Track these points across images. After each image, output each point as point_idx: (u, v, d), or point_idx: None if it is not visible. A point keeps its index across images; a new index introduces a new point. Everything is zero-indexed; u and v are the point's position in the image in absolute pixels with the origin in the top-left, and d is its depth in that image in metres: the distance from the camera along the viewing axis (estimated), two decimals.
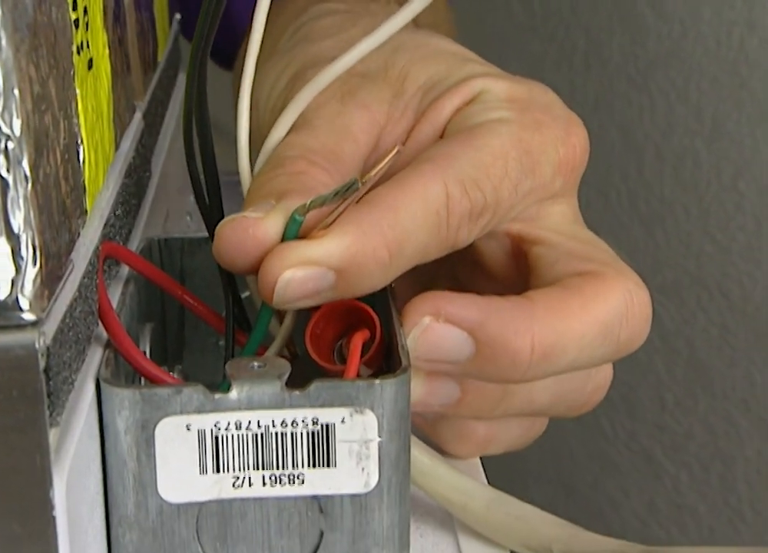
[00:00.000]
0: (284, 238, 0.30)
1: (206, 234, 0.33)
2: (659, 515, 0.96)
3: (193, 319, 0.34)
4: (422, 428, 0.35)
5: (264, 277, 0.29)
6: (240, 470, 0.27)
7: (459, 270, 0.38)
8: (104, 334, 0.28)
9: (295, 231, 0.29)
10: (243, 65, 0.33)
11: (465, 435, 0.35)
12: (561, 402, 0.35)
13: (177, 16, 0.54)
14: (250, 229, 0.30)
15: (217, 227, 0.31)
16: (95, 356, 0.28)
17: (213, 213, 0.33)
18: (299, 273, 0.29)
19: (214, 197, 0.33)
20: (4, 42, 0.21)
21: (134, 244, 0.35)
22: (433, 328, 0.30)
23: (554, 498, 1.05)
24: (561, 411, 0.36)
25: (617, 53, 0.93)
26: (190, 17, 0.51)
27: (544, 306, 0.31)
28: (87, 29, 0.29)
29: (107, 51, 0.33)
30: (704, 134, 0.86)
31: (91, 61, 0.30)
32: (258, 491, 0.27)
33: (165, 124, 0.46)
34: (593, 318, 0.32)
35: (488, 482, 0.34)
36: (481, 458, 0.37)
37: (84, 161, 0.28)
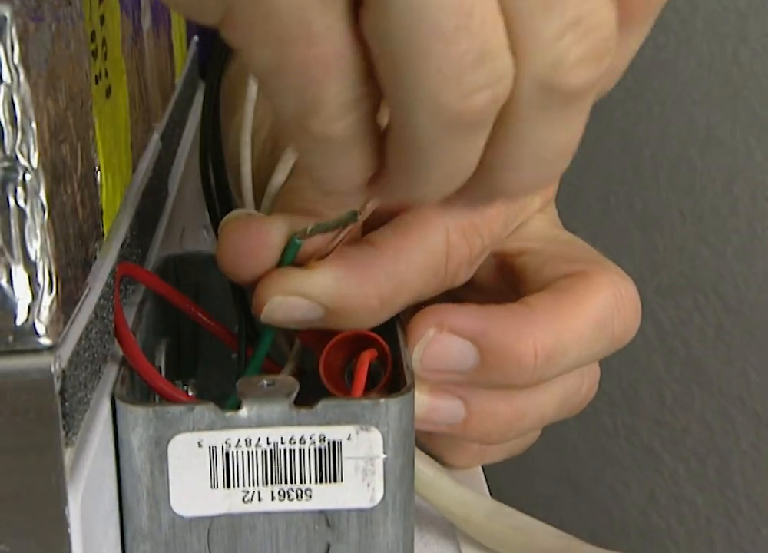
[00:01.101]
0: (282, 260, 0.30)
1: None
2: (658, 507, 0.96)
3: (208, 332, 0.34)
4: (421, 438, 0.35)
5: (257, 297, 0.30)
6: (249, 485, 0.27)
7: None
8: (120, 352, 0.28)
9: (293, 254, 0.29)
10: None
11: (463, 446, 0.35)
12: (564, 409, 0.35)
13: (195, 39, 0.54)
14: (253, 224, 0.30)
15: (222, 221, 0.31)
16: (111, 374, 0.27)
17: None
18: (289, 300, 0.29)
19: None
20: (22, 77, 0.21)
21: (151, 262, 0.34)
22: (438, 339, 0.30)
23: (558, 492, 1.05)
24: (562, 415, 0.35)
25: None
26: (206, 39, 0.51)
27: (541, 310, 0.31)
28: (105, 59, 0.29)
29: (125, 77, 0.32)
30: (698, 142, 0.86)
31: (109, 88, 0.30)
32: (267, 505, 0.27)
33: (182, 143, 0.45)
34: (588, 315, 0.31)
35: (494, 478, 0.34)
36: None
37: (101, 186, 0.28)
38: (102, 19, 0.29)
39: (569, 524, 0.36)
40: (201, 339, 0.35)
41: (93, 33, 0.28)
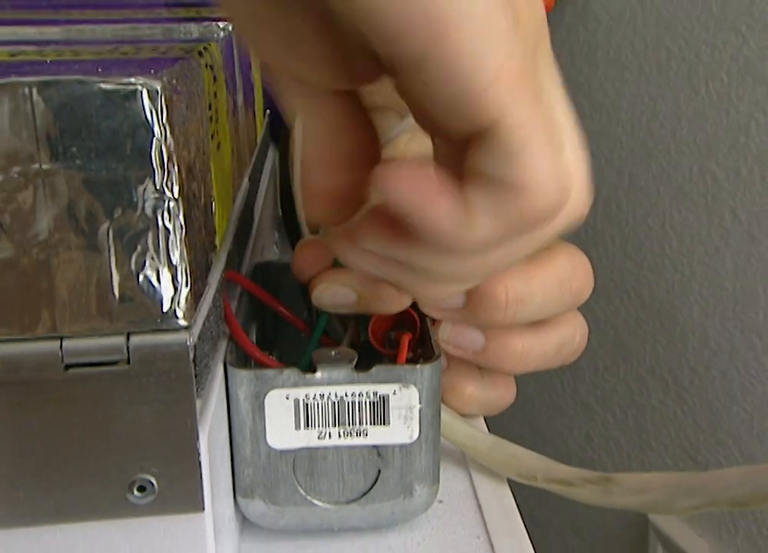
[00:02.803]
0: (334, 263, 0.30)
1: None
2: (593, 444, 0.95)
3: (283, 319, 0.34)
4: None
5: (311, 286, 0.30)
6: (322, 427, 0.27)
7: None
8: (228, 331, 0.28)
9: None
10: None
11: (456, 390, 0.33)
12: (562, 353, 0.34)
13: (268, 111, 0.54)
14: (315, 246, 0.30)
15: (297, 246, 0.31)
16: (222, 347, 0.27)
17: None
18: (331, 287, 0.29)
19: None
20: (168, 134, 0.21)
21: (244, 268, 0.34)
22: None
23: (521, 433, 1.05)
24: (560, 359, 0.35)
25: None
26: (275, 112, 0.51)
27: (514, 267, 0.30)
28: (217, 122, 0.29)
29: (228, 136, 0.33)
30: (623, 188, 0.85)
31: (219, 144, 0.30)
32: (335, 441, 0.27)
33: (261, 184, 0.46)
34: (551, 272, 0.31)
35: (488, 430, 0.34)
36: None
37: (215, 213, 0.28)
38: (215, 94, 0.29)
39: None
40: (279, 323, 0.35)
41: (210, 104, 0.28)
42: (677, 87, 0.77)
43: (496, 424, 0.35)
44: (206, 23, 0.35)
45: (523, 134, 0.20)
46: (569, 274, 0.32)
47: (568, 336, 0.34)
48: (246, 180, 0.38)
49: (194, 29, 0.35)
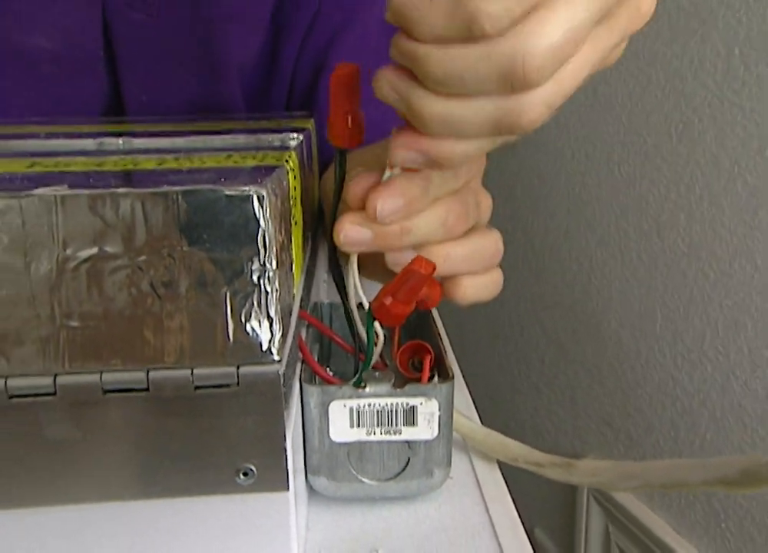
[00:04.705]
0: None
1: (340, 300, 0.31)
2: (540, 415, 0.95)
3: (336, 344, 0.34)
4: None
5: (334, 230, 0.25)
6: (369, 427, 0.26)
7: None
8: (301, 356, 0.28)
9: None
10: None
11: (457, 284, 0.26)
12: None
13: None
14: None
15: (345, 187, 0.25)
16: (298, 369, 0.27)
17: (340, 290, 0.31)
18: (352, 227, 0.25)
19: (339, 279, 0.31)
20: (270, 225, 0.21)
21: (308, 307, 0.34)
22: None
23: (486, 406, 1.04)
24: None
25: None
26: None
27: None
28: (296, 206, 0.29)
29: (300, 214, 0.32)
30: (560, 237, 0.85)
31: (296, 221, 0.30)
32: (378, 437, 0.27)
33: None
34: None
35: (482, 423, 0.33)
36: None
37: (294, 274, 0.28)
38: (295, 188, 0.29)
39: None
40: (332, 347, 0.35)
41: (291, 195, 0.28)
42: (599, 169, 0.78)
43: (487, 418, 0.34)
44: (284, 133, 0.35)
45: None
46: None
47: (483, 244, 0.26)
48: (309, 242, 0.38)
49: (276, 138, 0.34)
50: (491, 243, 0.26)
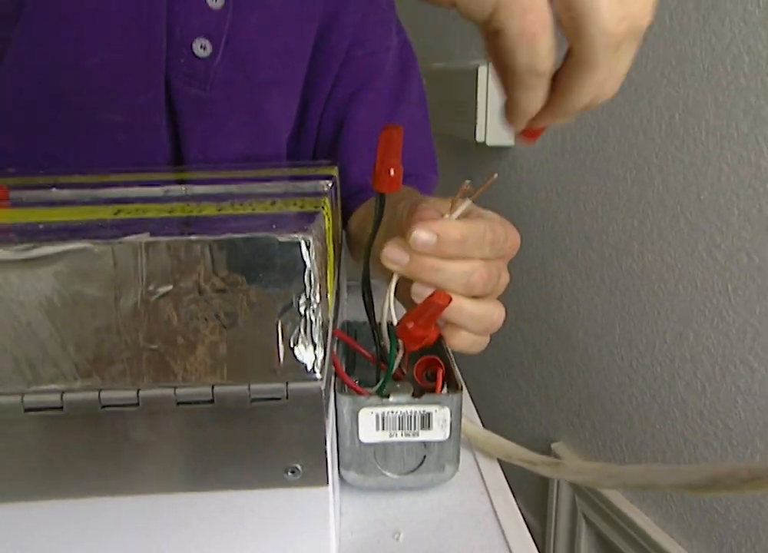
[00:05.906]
0: None
1: (367, 319, 0.30)
2: (520, 406, 0.94)
3: (362, 356, 0.33)
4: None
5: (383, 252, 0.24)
6: (392, 430, 0.26)
7: None
8: (335, 370, 0.27)
9: None
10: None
11: (457, 333, 0.26)
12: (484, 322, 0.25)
13: (343, 232, 0.51)
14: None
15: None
16: (332, 381, 0.27)
17: (368, 309, 0.30)
18: (392, 248, 0.24)
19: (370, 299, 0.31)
20: (316, 265, 0.20)
21: (338, 325, 0.34)
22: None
23: (478, 400, 1.03)
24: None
25: None
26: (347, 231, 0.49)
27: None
28: (329, 243, 0.29)
29: (332, 248, 0.32)
30: (537, 264, 0.85)
31: (330, 255, 0.29)
32: (399, 438, 0.26)
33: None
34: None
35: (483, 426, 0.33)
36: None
37: (329, 301, 0.27)
38: (329, 229, 0.29)
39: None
40: (358, 358, 0.34)
41: (326, 235, 0.28)
42: (568, 206, 0.78)
43: (487, 421, 0.33)
44: (316, 181, 0.35)
45: None
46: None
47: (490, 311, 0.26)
48: (336, 270, 0.38)
49: (308, 185, 0.34)
50: (496, 314, 0.26)
